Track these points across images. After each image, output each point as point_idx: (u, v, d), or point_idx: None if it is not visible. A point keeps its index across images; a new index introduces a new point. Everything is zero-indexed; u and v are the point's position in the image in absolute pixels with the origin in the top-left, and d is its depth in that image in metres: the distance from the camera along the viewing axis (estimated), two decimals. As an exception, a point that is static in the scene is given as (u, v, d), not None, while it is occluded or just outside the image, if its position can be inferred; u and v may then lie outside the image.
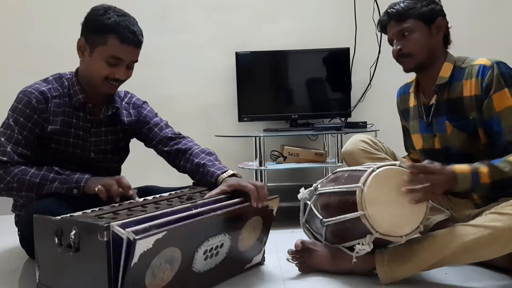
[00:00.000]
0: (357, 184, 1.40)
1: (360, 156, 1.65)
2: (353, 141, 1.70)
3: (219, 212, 1.36)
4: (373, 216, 1.37)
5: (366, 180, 1.40)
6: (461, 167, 1.41)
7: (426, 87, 1.67)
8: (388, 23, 1.64)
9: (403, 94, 1.82)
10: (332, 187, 1.52)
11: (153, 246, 1.16)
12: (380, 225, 1.37)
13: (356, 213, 1.38)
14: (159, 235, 1.17)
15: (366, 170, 1.43)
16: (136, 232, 1.14)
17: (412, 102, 1.75)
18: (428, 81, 1.65)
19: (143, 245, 1.13)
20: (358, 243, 1.41)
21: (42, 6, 2.78)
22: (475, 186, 1.40)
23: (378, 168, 1.42)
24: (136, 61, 1.65)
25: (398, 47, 1.61)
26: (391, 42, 1.66)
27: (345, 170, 1.58)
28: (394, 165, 1.44)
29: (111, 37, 1.56)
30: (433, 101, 1.63)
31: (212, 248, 1.38)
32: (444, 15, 1.62)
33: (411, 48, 1.59)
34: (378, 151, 1.68)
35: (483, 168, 1.40)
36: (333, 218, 1.47)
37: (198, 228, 1.30)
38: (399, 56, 1.63)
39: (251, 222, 1.50)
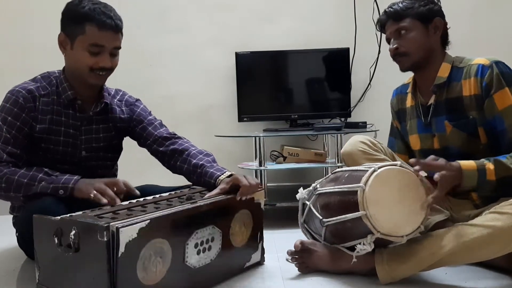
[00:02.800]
0: (359, 184, 1.40)
1: (359, 157, 1.65)
2: (352, 142, 1.69)
3: (202, 203, 1.39)
4: (375, 216, 1.37)
5: (367, 180, 1.39)
6: (467, 163, 1.40)
7: (423, 87, 1.67)
8: (386, 22, 1.65)
9: (399, 94, 1.82)
10: (332, 187, 1.52)
11: (138, 236, 1.18)
12: (382, 225, 1.37)
13: (357, 213, 1.38)
14: (143, 224, 1.19)
15: (367, 170, 1.43)
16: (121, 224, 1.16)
17: (409, 102, 1.75)
18: (425, 81, 1.65)
19: (127, 234, 1.15)
20: (359, 243, 1.41)
21: (42, 6, 2.77)
22: (481, 183, 1.40)
23: (379, 168, 1.42)
24: (119, 47, 1.63)
25: (395, 45, 1.62)
26: (388, 41, 1.67)
27: (345, 170, 1.58)
28: (395, 165, 1.44)
29: (88, 25, 1.54)
30: (431, 101, 1.63)
31: (203, 242, 1.38)
32: (442, 15, 1.63)
33: (407, 47, 1.60)
34: (377, 152, 1.67)
35: (489, 164, 1.40)
36: (334, 218, 1.46)
37: (182, 219, 1.32)
38: (395, 55, 1.63)
39: (240, 216, 1.52)
